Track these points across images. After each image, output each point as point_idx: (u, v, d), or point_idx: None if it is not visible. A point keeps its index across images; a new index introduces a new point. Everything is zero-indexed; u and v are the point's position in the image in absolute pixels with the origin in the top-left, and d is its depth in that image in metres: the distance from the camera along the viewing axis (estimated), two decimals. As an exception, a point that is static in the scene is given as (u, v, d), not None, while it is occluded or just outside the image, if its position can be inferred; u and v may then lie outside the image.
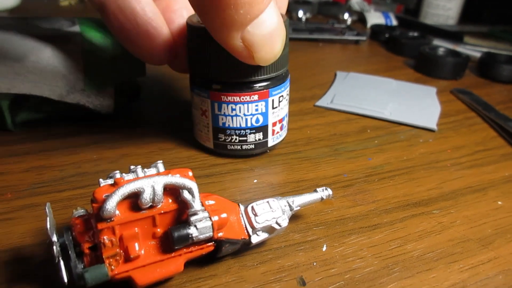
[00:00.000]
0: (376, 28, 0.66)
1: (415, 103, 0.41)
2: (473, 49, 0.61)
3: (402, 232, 0.24)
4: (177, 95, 0.40)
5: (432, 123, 0.37)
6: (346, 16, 0.72)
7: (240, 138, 0.29)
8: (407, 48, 0.57)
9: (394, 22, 0.74)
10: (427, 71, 0.51)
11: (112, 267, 0.18)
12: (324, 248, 0.23)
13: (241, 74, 0.27)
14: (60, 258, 0.17)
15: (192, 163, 0.29)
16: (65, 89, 0.30)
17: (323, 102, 0.40)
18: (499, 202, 0.28)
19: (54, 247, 0.17)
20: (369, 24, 0.72)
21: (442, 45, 0.56)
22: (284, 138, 0.32)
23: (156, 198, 0.18)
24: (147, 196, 0.18)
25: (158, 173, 0.19)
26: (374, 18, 0.74)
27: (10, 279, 0.19)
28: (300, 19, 0.71)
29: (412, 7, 0.83)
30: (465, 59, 0.50)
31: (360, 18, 0.78)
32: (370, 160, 0.31)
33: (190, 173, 0.19)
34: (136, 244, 0.18)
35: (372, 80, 0.47)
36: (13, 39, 0.30)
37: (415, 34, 0.61)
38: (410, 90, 0.45)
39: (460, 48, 0.60)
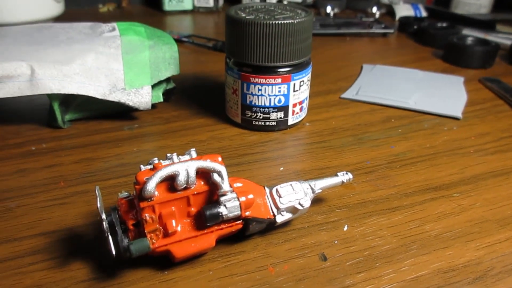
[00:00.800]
0: (404, 20, 0.66)
1: (441, 93, 0.42)
2: (505, 37, 0.60)
3: (421, 214, 0.26)
4: (207, 92, 0.42)
5: (457, 112, 0.38)
6: (374, 9, 0.72)
7: (264, 115, 0.34)
8: (435, 39, 0.57)
9: (424, 14, 0.73)
10: (455, 60, 0.51)
11: (153, 240, 0.20)
12: (345, 228, 0.24)
13: (267, 59, 0.32)
14: (109, 233, 0.20)
15: (223, 153, 0.32)
16: (108, 89, 0.33)
17: (349, 94, 0.42)
18: (521, 186, 0.28)
19: (104, 224, 0.20)
20: (397, 17, 0.72)
21: (472, 35, 0.56)
22: (304, 118, 0.36)
23: (190, 180, 0.20)
24: (182, 178, 0.20)
25: (191, 159, 0.21)
26: (403, 10, 0.74)
27: (66, 254, 0.22)
28: (328, 14, 0.72)
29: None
30: (494, 47, 0.50)
31: (389, 11, 0.77)
32: (393, 148, 0.33)
33: (220, 159, 0.22)
34: (173, 221, 0.20)
35: (398, 71, 0.48)
36: (61, 45, 0.33)
37: (444, 24, 0.61)
38: (436, 80, 0.45)
39: (491, 37, 0.60)
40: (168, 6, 0.73)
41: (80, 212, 0.25)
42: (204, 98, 0.41)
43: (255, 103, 0.33)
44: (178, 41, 0.59)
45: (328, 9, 0.72)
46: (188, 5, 0.74)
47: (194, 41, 0.58)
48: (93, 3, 0.75)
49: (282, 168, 0.30)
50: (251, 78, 0.33)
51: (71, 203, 0.26)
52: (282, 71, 0.32)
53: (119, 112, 0.36)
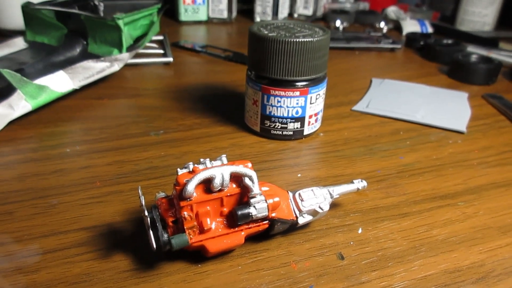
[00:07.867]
0: (411, 35, 0.69)
1: (446, 108, 0.44)
2: (508, 55, 0.62)
3: (429, 220, 0.28)
4: (225, 101, 0.45)
5: (461, 126, 0.40)
6: (382, 24, 0.75)
7: (282, 125, 0.36)
8: (441, 55, 0.60)
9: (430, 30, 0.76)
10: (460, 77, 0.53)
11: (191, 236, 0.22)
12: (360, 231, 0.27)
13: (287, 74, 0.34)
14: (150, 228, 0.22)
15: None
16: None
17: (360, 106, 0.44)
18: (521, 197, 0.31)
19: (148, 219, 0.22)
20: (404, 32, 0.75)
21: (475, 52, 0.58)
22: (318, 129, 0.38)
23: (224, 183, 0.23)
24: (217, 181, 0.22)
25: (223, 164, 0.24)
26: (410, 26, 0.77)
27: (108, 247, 0.24)
28: (337, 28, 0.75)
29: (448, 13, 0.85)
30: (497, 65, 0.52)
31: (396, 26, 0.80)
32: (402, 158, 0.35)
33: (250, 165, 0.24)
34: (208, 219, 0.23)
35: (406, 86, 0.50)
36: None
37: (450, 41, 0.64)
38: (442, 95, 0.48)
39: (494, 54, 0.62)
40: (184, 16, 0.76)
41: (117, 210, 0.27)
42: (222, 106, 0.43)
43: (274, 114, 0.36)
44: (193, 50, 0.61)
45: (338, 23, 0.75)
46: (203, 16, 0.77)
47: (208, 51, 0.61)
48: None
49: (299, 175, 0.32)
50: (271, 91, 0.35)
51: (108, 202, 0.28)
52: (300, 85, 0.35)
53: (145, 117, 0.39)
